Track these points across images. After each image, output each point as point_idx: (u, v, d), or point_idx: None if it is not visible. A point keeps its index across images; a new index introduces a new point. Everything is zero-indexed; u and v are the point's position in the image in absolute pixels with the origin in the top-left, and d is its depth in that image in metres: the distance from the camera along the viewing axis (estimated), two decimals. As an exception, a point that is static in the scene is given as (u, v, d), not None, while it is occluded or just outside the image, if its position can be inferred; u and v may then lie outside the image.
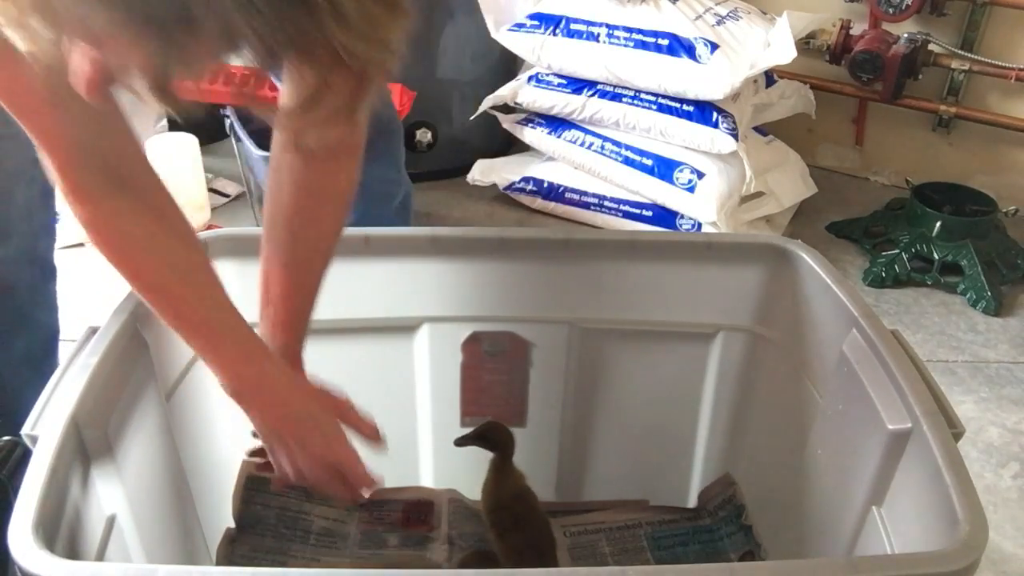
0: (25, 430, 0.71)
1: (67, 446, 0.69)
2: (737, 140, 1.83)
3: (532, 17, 1.98)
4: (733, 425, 1.11)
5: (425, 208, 2.13)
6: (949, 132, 2.20)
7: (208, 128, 2.00)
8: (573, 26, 1.94)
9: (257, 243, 1.01)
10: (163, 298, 0.80)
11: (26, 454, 0.68)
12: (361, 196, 1.33)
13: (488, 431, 1.02)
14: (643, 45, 1.87)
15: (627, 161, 1.94)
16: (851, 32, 2.09)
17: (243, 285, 1.02)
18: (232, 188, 2.11)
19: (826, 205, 2.16)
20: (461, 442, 1.02)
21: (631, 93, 1.93)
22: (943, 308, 1.82)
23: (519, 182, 2.09)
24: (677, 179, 1.88)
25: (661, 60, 1.85)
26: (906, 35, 2.04)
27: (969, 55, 2.05)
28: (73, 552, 0.67)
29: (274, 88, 1.68)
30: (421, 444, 1.14)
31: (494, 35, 2.01)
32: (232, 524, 1.04)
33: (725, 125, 1.83)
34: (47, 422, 0.70)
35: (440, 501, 1.12)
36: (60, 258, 1.88)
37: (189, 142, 1.79)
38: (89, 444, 0.73)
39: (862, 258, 1.98)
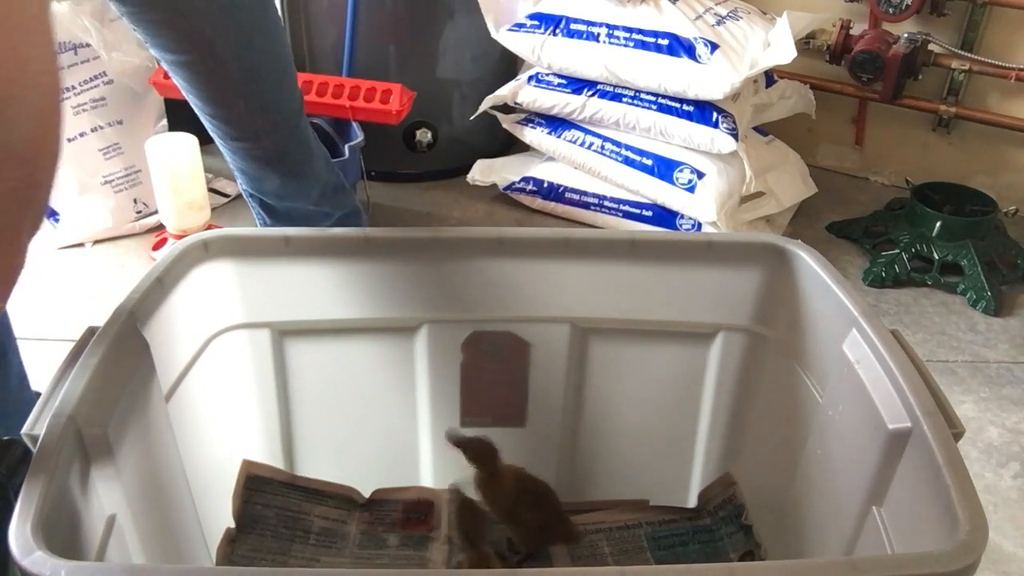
0: (25, 430, 0.71)
1: (67, 446, 0.69)
2: (737, 140, 1.83)
3: (532, 17, 1.98)
4: (733, 425, 1.11)
5: (425, 208, 2.13)
6: (949, 132, 2.20)
7: (208, 128, 2.00)
8: (573, 26, 1.94)
9: (257, 243, 1.01)
10: None
11: (26, 454, 0.68)
12: (283, 221, 1.35)
13: (475, 450, 1.00)
14: (643, 45, 1.87)
15: (627, 161, 1.94)
16: (851, 32, 2.09)
17: (243, 285, 1.02)
18: (232, 188, 2.11)
19: (826, 205, 2.16)
20: (455, 439, 1.00)
21: (631, 93, 1.93)
22: (943, 308, 1.82)
23: (519, 182, 2.09)
24: (677, 179, 1.88)
25: (661, 60, 1.85)
26: (906, 35, 2.04)
27: (969, 55, 2.05)
28: (73, 552, 0.67)
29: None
30: (421, 444, 1.14)
31: (494, 35, 2.01)
32: (232, 524, 1.04)
33: (725, 125, 1.83)
34: (47, 422, 0.70)
35: (440, 501, 1.12)
36: (60, 258, 1.89)
37: (189, 142, 1.79)
38: (89, 444, 0.73)
39: (862, 258, 1.98)
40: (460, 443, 1.00)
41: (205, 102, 1.20)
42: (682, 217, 1.92)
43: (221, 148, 1.30)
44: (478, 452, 1.00)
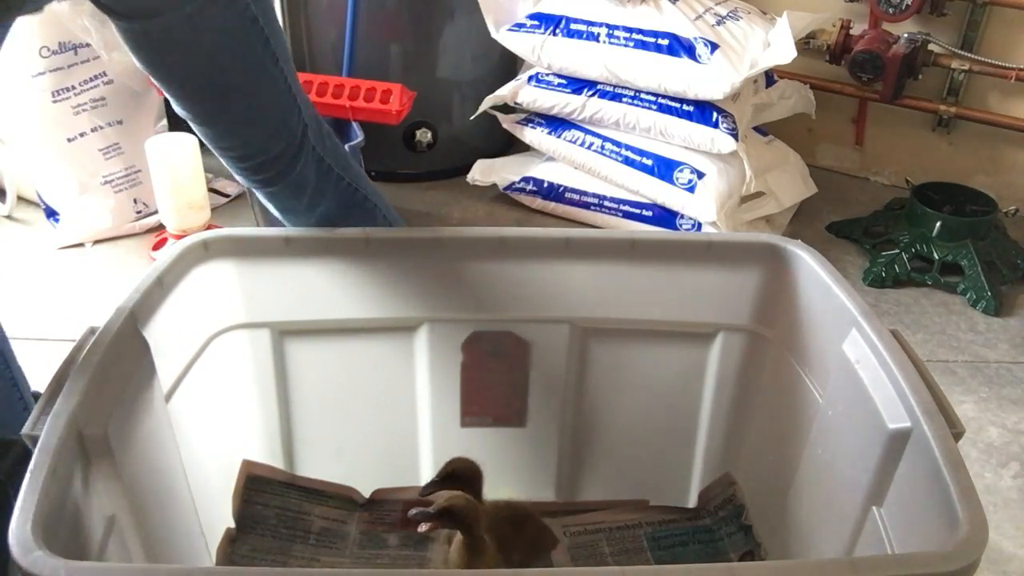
0: (25, 430, 0.71)
1: (67, 446, 0.69)
2: (737, 140, 1.83)
3: (532, 17, 1.98)
4: (733, 425, 1.11)
5: (425, 208, 2.13)
6: (949, 132, 2.20)
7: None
8: (573, 26, 1.94)
9: (257, 243, 1.01)
10: None
11: (26, 454, 0.68)
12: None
13: (454, 509, 0.92)
14: (643, 45, 1.87)
15: (627, 161, 1.94)
16: (851, 32, 2.09)
17: (243, 285, 1.02)
18: (232, 188, 2.11)
19: (826, 205, 2.16)
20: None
21: (631, 93, 1.93)
22: (943, 308, 1.82)
23: (519, 182, 2.09)
24: (677, 179, 1.88)
25: (661, 60, 1.85)
26: (906, 35, 2.04)
27: (969, 55, 2.05)
28: (73, 552, 0.67)
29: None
30: (421, 444, 1.14)
31: (494, 35, 2.01)
32: (232, 524, 1.04)
33: (725, 125, 1.83)
34: (47, 422, 0.70)
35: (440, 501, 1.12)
36: (60, 258, 1.89)
37: (189, 142, 1.79)
38: (89, 444, 0.73)
39: (862, 258, 1.98)
40: (435, 513, 0.92)
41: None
42: (682, 217, 1.92)
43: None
44: (454, 515, 0.92)
